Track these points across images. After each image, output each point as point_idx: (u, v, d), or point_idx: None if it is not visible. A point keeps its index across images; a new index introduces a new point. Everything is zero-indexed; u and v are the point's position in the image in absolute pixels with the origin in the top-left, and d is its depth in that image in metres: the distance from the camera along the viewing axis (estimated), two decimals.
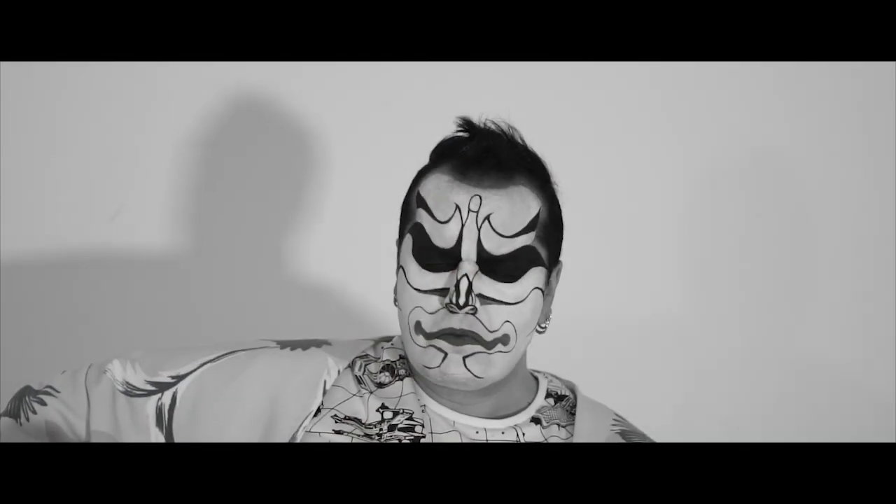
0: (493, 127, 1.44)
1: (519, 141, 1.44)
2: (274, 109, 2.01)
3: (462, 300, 1.37)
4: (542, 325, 1.47)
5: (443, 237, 1.40)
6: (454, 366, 1.40)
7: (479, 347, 1.40)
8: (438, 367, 1.40)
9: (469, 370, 1.40)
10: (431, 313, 1.40)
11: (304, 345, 1.49)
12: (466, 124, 1.44)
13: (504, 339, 1.41)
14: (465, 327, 1.39)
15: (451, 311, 1.39)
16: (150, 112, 2.00)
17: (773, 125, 2.08)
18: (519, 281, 1.41)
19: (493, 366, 1.41)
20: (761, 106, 2.08)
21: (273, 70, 1.97)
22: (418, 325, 1.41)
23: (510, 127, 1.44)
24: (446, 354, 1.40)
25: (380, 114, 2.02)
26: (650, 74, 2.03)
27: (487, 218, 1.39)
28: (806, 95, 2.08)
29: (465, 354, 1.40)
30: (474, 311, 1.39)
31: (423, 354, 1.41)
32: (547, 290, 1.45)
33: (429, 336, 1.40)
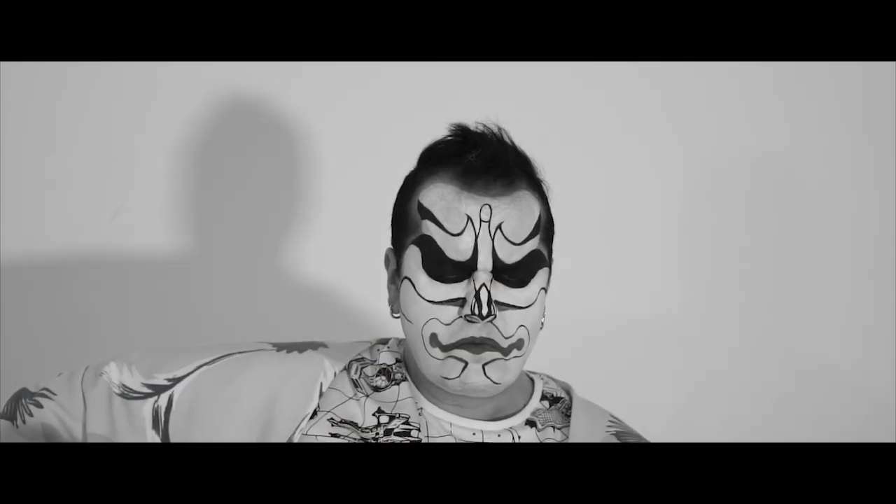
0: (486, 131, 1.43)
1: (510, 142, 1.44)
2: (273, 110, 2.01)
3: (486, 311, 1.37)
4: (541, 320, 1.47)
5: (457, 250, 1.39)
6: (474, 374, 1.40)
7: (497, 354, 1.40)
8: (458, 377, 1.40)
9: (488, 377, 1.40)
10: (447, 324, 1.40)
11: (300, 347, 1.49)
12: (461, 130, 1.44)
13: (518, 344, 1.41)
14: (485, 335, 1.39)
15: (471, 321, 1.39)
16: (149, 112, 2.00)
17: (773, 125, 2.08)
18: (528, 285, 1.41)
19: (509, 371, 1.41)
20: (761, 106, 2.08)
21: (272, 70, 1.97)
22: (434, 337, 1.40)
23: (500, 129, 1.44)
24: (466, 364, 1.40)
25: (379, 114, 2.02)
26: (650, 74, 2.03)
27: (499, 227, 1.39)
28: (806, 95, 2.08)
29: (484, 362, 1.40)
30: (493, 319, 1.39)
31: (441, 367, 1.41)
32: (547, 288, 1.45)
33: (446, 348, 1.40)
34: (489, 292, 1.38)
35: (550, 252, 1.46)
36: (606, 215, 2.07)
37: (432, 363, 1.41)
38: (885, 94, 2.07)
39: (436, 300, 1.40)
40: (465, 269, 1.39)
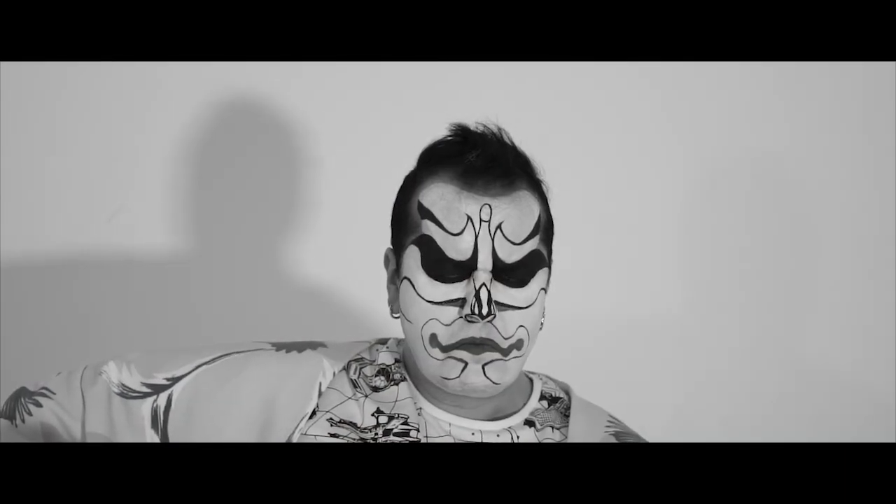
0: (486, 131, 1.43)
1: (510, 143, 1.44)
2: (273, 110, 2.01)
3: (486, 310, 1.37)
4: (540, 321, 1.47)
5: (457, 249, 1.39)
6: (474, 375, 1.40)
7: (496, 355, 1.40)
8: (458, 377, 1.40)
9: (488, 378, 1.40)
10: (447, 325, 1.40)
11: (300, 347, 1.49)
12: (461, 130, 1.44)
13: (518, 345, 1.41)
14: (484, 335, 1.39)
15: (471, 321, 1.38)
16: (149, 112, 2.00)
17: (773, 125, 2.08)
18: (528, 285, 1.41)
19: (509, 371, 1.41)
20: (761, 106, 2.08)
21: (272, 70, 1.97)
22: (434, 337, 1.40)
23: (500, 129, 1.44)
24: (466, 364, 1.40)
25: (379, 114, 2.02)
26: (650, 74, 2.03)
27: (499, 226, 1.39)
28: (806, 95, 2.08)
29: (484, 363, 1.40)
30: (493, 319, 1.39)
31: (440, 367, 1.40)
32: (547, 288, 1.45)
33: (446, 348, 1.40)
34: (489, 292, 1.38)
35: (550, 253, 1.46)
36: (606, 215, 2.07)
37: (432, 363, 1.41)
38: (885, 94, 2.07)
39: (435, 300, 1.40)
40: (464, 269, 1.39)
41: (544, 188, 1.46)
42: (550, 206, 1.47)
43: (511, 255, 1.40)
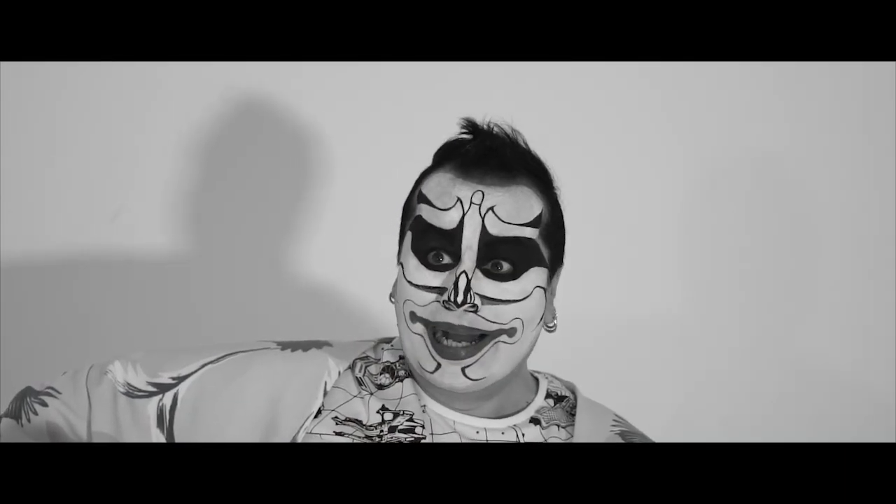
0: (496, 129, 1.44)
1: (522, 143, 1.44)
2: (274, 110, 2.01)
3: (460, 298, 1.37)
4: (550, 325, 1.47)
5: (442, 220, 1.39)
6: (449, 377, 1.40)
7: (478, 353, 1.39)
8: (433, 373, 1.40)
9: (468, 377, 1.40)
10: (422, 306, 1.40)
11: (305, 346, 1.49)
12: (470, 125, 1.44)
13: (510, 332, 1.40)
14: (465, 323, 1.39)
15: (447, 308, 1.38)
16: (150, 112, 2.00)
17: (773, 125, 2.08)
18: (520, 278, 1.40)
19: (496, 360, 1.41)
20: (761, 106, 2.08)
21: (273, 70, 1.98)
22: (413, 314, 1.41)
23: (513, 130, 1.44)
24: (439, 365, 1.40)
25: (380, 114, 2.02)
26: (650, 74, 2.03)
27: (491, 208, 1.39)
28: (806, 95, 2.08)
29: (463, 366, 1.40)
30: (475, 310, 1.38)
31: (420, 347, 1.41)
32: (549, 290, 1.45)
33: (425, 322, 1.40)
34: (468, 281, 1.37)
35: (557, 256, 1.45)
36: (606, 215, 2.07)
37: (414, 340, 1.41)
38: (885, 94, 2.07)
39: (415, 283, 1.40)
40: (450, 243, 1.39)
41: (557, 194, 1.45)
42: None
43: (502, 231, 1.39)
